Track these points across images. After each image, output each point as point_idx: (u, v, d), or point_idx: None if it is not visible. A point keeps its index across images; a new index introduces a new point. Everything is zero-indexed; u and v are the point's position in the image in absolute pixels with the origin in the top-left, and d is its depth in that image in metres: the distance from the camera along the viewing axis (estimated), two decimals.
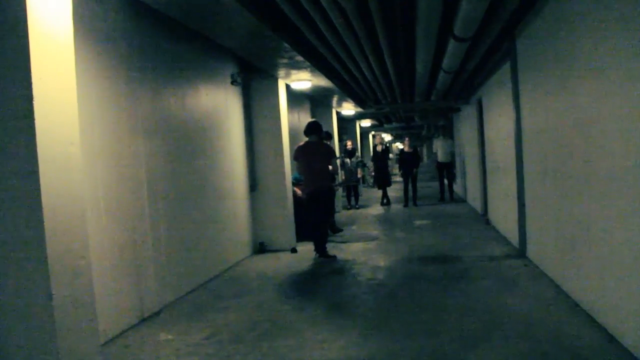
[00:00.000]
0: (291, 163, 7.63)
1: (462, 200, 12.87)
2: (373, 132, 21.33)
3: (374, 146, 14.14)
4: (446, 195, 13.05)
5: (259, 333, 3.98)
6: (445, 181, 13.17)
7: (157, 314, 4.52)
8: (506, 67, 6.43)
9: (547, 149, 4.92)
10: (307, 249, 7.11)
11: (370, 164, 15.12)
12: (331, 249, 7.06)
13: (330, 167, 6.91)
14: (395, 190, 15.18)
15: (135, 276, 4.32)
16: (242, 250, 6.95)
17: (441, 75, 7.62)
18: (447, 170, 13.09)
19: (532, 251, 5.80)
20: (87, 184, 3.68)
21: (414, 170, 12.38)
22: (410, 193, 12.41)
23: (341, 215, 11.21)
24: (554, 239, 4.80)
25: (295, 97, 9.69)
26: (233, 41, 5.91)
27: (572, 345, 3.38)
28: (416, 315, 4.24)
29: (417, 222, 9.74)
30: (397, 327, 3.96)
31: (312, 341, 3.77)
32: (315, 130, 6.89)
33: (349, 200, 12.75)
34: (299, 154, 6.87)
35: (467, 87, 9.62)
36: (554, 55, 4.51)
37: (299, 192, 7.77)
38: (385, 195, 13.06)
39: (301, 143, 6.99)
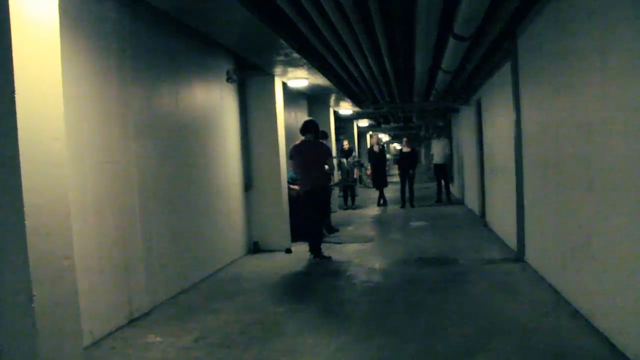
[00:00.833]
0: (287, 162, 7.54)
1: (460, 202, 12.80)
2: (370, 132, 21.23)
3: (371, 146, 14.05)
4: (443, 197, 12.97)
5: (250, 336, 3.88)
6: (443, 182, 13.09)
7: (147, 314, 4.42)
8: (506, 67, 6.34)
9: (547, 150, 4.83)
10: (301, 250, 7.01)
11: (367, 164, 15.04)
12: (326, 249, 6.97)
13: (326, 166, 6.83)
14: (392, 191, 15.10)
15: (125, 276, 4.22)
16: (236, 250, 6.85)
17: (440, 75, 7.53)
18: (443, 171, 13.01)
19: (530, 255, 5.71)
20: (75, 181, 3.58)
21: (411, 171, 12.29)
22: (407, 194, 12.33)
23: (337, 215, 11.11)
24: (554, 243, 4.70)
25: (292, 96, 9.59)
26: (228, 37, 5.81)
27: (572, 353, 3.29)
28: (411, 320, 4.15)
29: (414, 224, 9.65)
30: (392, 332, 3.86)
31: (303, 345, 3.68)
32: (312, 129, 6.80)
33: (345, 201, 12.67)
34: (294, 153, 6.77)
35: (466, 87, 9.53)
36: (555, 55, 4.42)
37: (296, 188, 7.65)
38: (382, 195, 12.98)
39: (297, 142, 6.90)
